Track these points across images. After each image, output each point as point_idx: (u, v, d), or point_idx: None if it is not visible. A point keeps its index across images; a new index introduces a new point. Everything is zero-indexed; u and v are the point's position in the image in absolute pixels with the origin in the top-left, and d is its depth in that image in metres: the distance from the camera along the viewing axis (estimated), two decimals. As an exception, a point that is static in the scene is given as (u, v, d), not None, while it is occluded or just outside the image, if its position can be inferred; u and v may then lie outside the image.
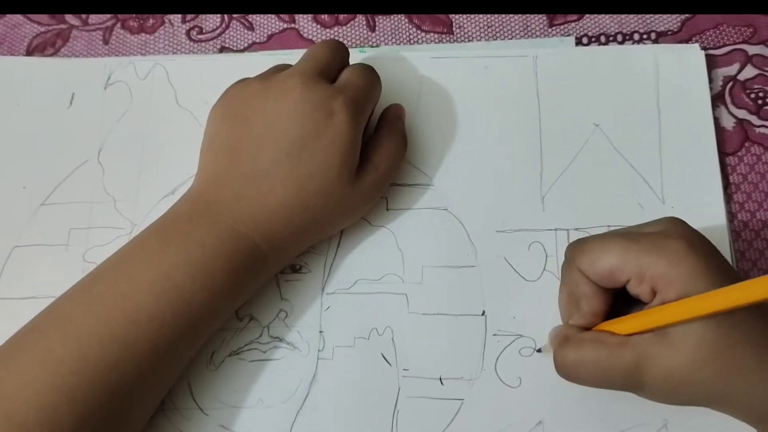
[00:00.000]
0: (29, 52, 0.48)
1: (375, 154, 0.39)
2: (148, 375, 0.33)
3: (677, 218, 0.33)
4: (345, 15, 0.48)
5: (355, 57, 0.45)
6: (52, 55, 0.48)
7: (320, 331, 0.39)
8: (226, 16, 0.48)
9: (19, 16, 0.49)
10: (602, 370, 0.32)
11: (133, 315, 0.32)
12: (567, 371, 0.33)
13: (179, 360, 0.35)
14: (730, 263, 0.36)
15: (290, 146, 0.36)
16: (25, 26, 0.49)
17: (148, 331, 0.32)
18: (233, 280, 0.35)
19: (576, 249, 0.33)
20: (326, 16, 0.48)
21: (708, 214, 0.40)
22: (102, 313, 0.32)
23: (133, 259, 0.35)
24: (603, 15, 0.46)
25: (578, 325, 0.34)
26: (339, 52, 0.40)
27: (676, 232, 0.31)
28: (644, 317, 0.31)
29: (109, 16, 0.48)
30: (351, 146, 0.37)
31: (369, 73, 0.40)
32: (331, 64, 0.39)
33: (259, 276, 0.37)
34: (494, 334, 0.39)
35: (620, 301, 0.34)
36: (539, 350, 0.38)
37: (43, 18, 0.49)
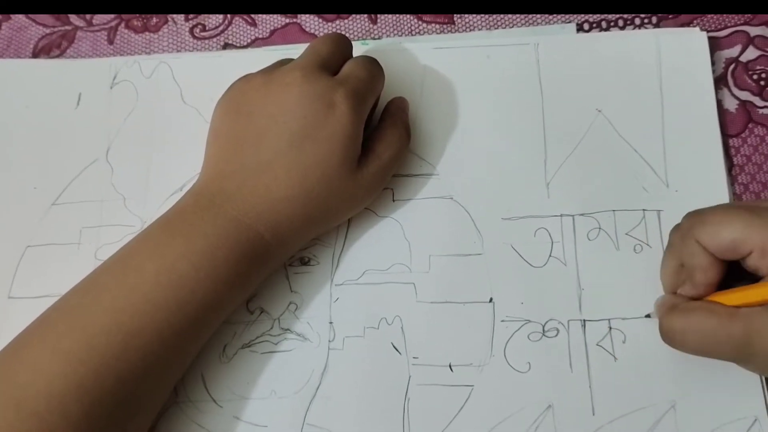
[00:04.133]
0: (35, 54, 0.48)
1: (378, 144, 0.39)
2: (155, 364, 0.33)
3: None
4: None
5: (358, 50, 0.45)
6: (57, 56, 0.48)
7: (330, 322, 0.40)
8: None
9: (24, 18, 0.49)
10: (710, 338, 0.32)
11: (140, 305, 0.33)
12: (673, 337, 0.33)
13: (186, 350, 0.36)
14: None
15: (292, 137, 0.36)
16: (31, 29, 0.49)
17: (154, 321, 0.33)
18: (238, 270, 0.35)
19: (696, 220, 0.34)
20: (328, 9, 0.48)
21: (712, 196, 0.40)
22: (109, 303, 0.33)
23: (139, 252, 0.35)
24: None
25: (689, 295, 0.34)
26: (341, 45, 0.41)
27: None
28: (756, 290, 0.31)
29: (113, 16, 0.49)
30: (352, 136, 0.37)
31: (371, 64, 0.40)
32: (333, 57, 0.40)
33: (265, 266, 0.37)
34: (502, 321, 0.39)
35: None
36: (648, 316, 0.38)
37: (48, 20, 0.49)
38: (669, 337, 0.34)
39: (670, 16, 0.46)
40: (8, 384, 0.31)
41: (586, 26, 0.46)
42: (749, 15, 0.45)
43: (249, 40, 0.48)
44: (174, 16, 0.49)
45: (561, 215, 0.41)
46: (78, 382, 0.31)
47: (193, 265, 0.34)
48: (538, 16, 0.46)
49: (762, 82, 0.44)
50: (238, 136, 0.37)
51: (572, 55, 0.44)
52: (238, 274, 0.35)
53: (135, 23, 0.49)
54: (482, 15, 0.47)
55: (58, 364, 0.31)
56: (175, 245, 0.35)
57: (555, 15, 0.46)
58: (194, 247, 0.34)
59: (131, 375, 0.32)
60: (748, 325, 0.31)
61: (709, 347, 0.32)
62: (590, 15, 0.46)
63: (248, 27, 0.48)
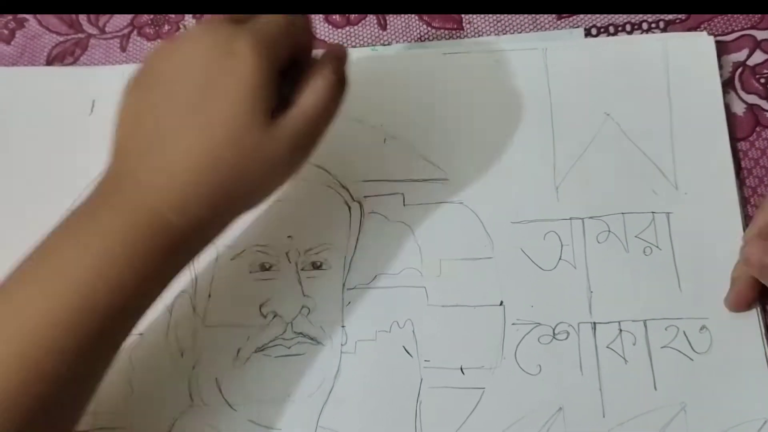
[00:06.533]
0: (49, 62, 0.49)
1: (299, 96, 0.34)
2: (64, 387, 0.31)
3: None
4: (356, 14, 0.48)
5: (367, 55, 0.45)
6: (71, 64, 0.49)
7: (342, 326, 0.40)
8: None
9: (37, 26, 0.50)
10: None
11: (39, 330, 0.30)
12: None
13: (99, 361, 0.33)
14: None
15: (189, 99, 0.33)
16: (44, 37, 0.50)
17: (57, 342, 0.30)
18: (145, 268, 0.32)
19: None
20: (337, 15, 0.49)
21: (721, 200, 0.41)
22: (5, 332, 0.30)
23: (33, 260, 0.33)
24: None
25: None
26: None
27: None
28: None
29: (125, 23, 0.50)
30: (259, 86, 0.32)
31: (292, 15, 0.35)
32: (268, 25, 0.34)
33: (178, 255, 0.33)
34: (513, 324, 0.39)
35: None
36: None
37: (62, 28, 0.50)
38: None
39: (678, 21, 0.46)
40: None
41: (593, 31, 0.46)
42: (757, 18, 0.45)
43: (260, 47, 0.48)
44: (185, 22, 0.49)
45: (570, 218, 0.41)
46: None
47: (95, 272, 0.31)
48: (546, 21, 0.47)
49: (769, 86, 0.44)
50: (137, 109, 0.34)
51: (580, 60, 0.45)
52: (146, 274, 0.32)
53: (147, 31, 0.49)
54: (491, 18, 0.47)
55: None
56: (71, 253, 0.32)
57: (563, 20, 0.47)
58: (91, 250, 0.31)
59: (35, 404, 0.30)
60: None
61: None
62: (598, 20, 0.46)
63: (259, 34, 0.49)
